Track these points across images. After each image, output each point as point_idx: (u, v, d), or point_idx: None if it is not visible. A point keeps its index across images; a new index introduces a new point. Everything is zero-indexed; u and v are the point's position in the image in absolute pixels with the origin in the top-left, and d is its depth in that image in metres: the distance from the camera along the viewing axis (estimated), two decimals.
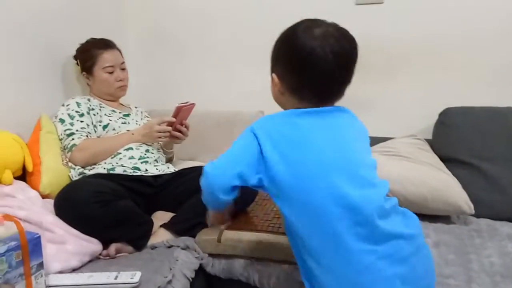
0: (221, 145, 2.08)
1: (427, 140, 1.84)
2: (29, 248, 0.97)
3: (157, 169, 1.61)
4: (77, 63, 1.80)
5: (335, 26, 0.96)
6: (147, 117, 1.92)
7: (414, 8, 1.91)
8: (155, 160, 1.66)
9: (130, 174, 1.53)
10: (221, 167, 0.94)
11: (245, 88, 2.20)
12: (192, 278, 1.28)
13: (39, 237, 1.01)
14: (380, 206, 0.90)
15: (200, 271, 1.35)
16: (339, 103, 1.02)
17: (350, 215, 0.86)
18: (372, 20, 1.96)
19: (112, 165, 1.55)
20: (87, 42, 1.79)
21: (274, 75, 1.00)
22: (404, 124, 1.96)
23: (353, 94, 1.69)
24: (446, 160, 1.71)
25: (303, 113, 0.94)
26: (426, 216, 1.52)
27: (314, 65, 0.91)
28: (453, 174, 1.61)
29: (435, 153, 1.76)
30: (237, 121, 2.13)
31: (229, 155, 0.94)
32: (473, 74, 1.85)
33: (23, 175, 1.45)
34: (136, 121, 1.81)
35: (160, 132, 1.60)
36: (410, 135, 1.86)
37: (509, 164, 1.60)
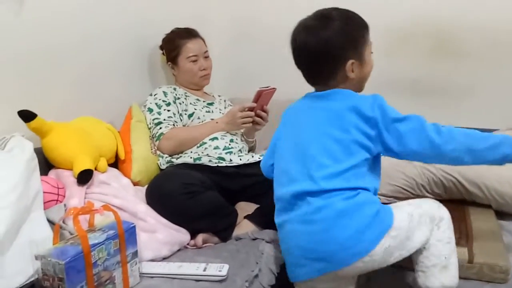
0: None
1: None
2: (125, 237, 0.99)
3: (240, 159, 1.59)
4: (163, 53, 1.83)
5: (315, 16, 1.05)
6: (230, 105, 1.91)
7: None
8: (239, 150, 1.64)
9: (215, 165, 1.53)
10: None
11: None
12: (278, 273, 1.25)
13: (134, 226, 1.03)
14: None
15: (285, 266, 1.32)
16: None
17: None
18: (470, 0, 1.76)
19: (198, 155, 1.56)
20: (172, 32, 1.81)
21: None
22: (509, 114, 1.74)
23: (452, 81, 1.54)
24: None
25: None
26: None
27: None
28: None
29: None
30: None
31: None
32: None
33: (115, 163, 1.51)
34: (220, 109, 1.81)
35: (243, 118, 1.58)
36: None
37: None
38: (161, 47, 1.84)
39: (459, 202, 1.41)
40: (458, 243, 1.16)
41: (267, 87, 1.59)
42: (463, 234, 1.20)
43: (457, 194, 1.41)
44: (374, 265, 0.97)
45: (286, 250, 1.08)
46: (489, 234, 1.21)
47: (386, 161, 1.57)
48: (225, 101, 1.91)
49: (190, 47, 1.74)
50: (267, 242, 1.32)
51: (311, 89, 2.26)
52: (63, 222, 1.07)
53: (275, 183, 1.12)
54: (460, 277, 1.10)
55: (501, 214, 1.38)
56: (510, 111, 1.76)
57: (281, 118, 1.18)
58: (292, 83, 2.15)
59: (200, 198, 1.28)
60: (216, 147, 1.59)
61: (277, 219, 1.09)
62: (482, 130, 1.65)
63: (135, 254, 1.04)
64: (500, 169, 1.36)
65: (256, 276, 1.16)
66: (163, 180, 1.33)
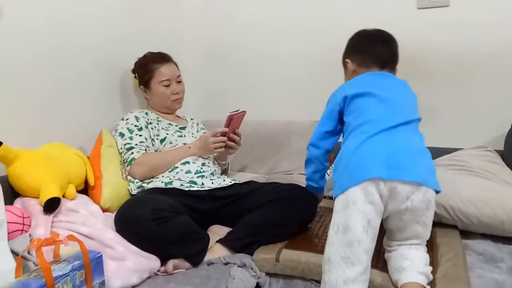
0: (275, 156, 2.07)
1: (498, 152, 1.69)
2: (92, 267, 0.98)
3: (212, 182, 1.60)
4: (135, 77, 1.84)
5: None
6: (203, 128, 1.93)
7: (482, 10, 1.77)
8: (211, 174, 1.65)
9: (187, 189, 1.53)
10: None
11: (301, 98, 2.15)
12: None
13: (101, 256, 1.02)
14: None
15: None
16: None
17: None
18: (437, 25, 1.84)
19: (170, 179, 1.56)
20: (145, 56, 1.82)
21: (348, 60, 1.43)
22: (472, 134, 1.82)
23: (419, 102, 1.60)
24: None
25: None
26: (499, 238, 1.39)
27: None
28: None
29: (508, 166, 1.61)
30: (292, 132, 2.09)
31: None
32: None
33: (85, 189, 1.49)
34: (192, 133, 1.82)
35: (215, 143, 1.60)
36: (480, 146, 1.72)
37: None
38: (133, 71, 1.84)
39: None
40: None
41: (237, 110, 1.62)
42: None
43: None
44: None
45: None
46: (452, 259, 1.23)
47: None
48: (197, 124, 1.92)
49: (163, 71, 1.76)
50: (239, 266, 1.31)
51: (282, 108, 2.30)
52: (29, 253, 1.05)
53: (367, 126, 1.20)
54: None
55: (466, 233, 1.41)
56: (473, 131, 1.83)
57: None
58: (263, 103, 2.21)
59: (170, 224, 1.27)
60: (188, 171, 1.59)
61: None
62: (448, 150, 1.75)
63: (102, 283, 1.02)
64: (463, 190, 1.42)
65: None
66: (132, 206, 1.32)
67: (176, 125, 1.79)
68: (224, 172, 1.84)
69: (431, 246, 1.31)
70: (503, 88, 1.78)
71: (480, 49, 1.79)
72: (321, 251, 1.31)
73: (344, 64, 1.46)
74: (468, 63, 1.69)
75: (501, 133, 1.75)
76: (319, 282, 1.26)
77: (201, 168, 1.63)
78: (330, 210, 1.62)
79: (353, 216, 1.08)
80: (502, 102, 1.78)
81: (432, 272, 1.15)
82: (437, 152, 1.72)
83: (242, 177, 1.84)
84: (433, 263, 1.21)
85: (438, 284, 1.13)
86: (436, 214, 1.41)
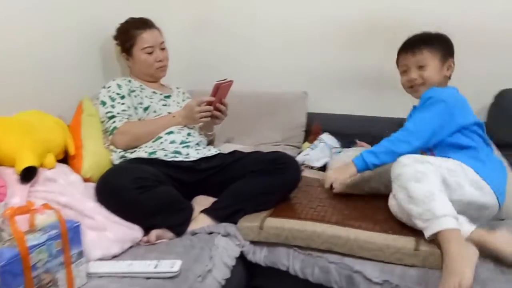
0: (262, 127, 2.05)
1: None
2: (69, 236, 0.96)
3: (198, 152, 1.57)
4: (117, 44, 1.77)
5: None
6: (189, 98, 1.88)
7: None
8: (197, 144, 1.62)
9: (171, 159, 1.50)
10: None
11: (288, 69, 2.10)
12: (233, 266, 1.25)
13: (79, 225, 0.99)
14: None
15: (241, 259, 1.32)
16: None
17: None
18: None
19: (153, 149, 1.53)
20: (126, 22, 1.75)
21: (452, 62, 1.45)
22: None
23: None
24: (503, 145, 1.58)
25: None
26: None
27: None
28: (509, 160, 1.49)
29: (490, 137, 1.59)
30: (279, 103, 2.06)
31: None
32: None
33: (65, 158, 1.45)
34: (177, 102, 1.77)
35: (201, 112, 1.56)
36: None
37: None
38: (115, 37, 1.77)
39: None
40: (407, 233, 1.20)
41: (224, 80, 1.57)
42: (411, 227, 1.23)
43: None
44: None
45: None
46: None
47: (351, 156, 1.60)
48: (183, 93, 1.88)
49: (146, 37, 1.69)
50: (223, 235, 1.31)
51: (271, 80, 2.26)
52: (4, 223, 1.02)
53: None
54: (406, 265, 1.15)
55: None
56: None
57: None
58: (253, 74, 2.16)
59: (153, 193, 1.25)
60: (173, 141, 1.56)
61: None
62: None
63: (81, 254, 1.00)
64: None
65: (210, 270, 1.15)
66: (113, 175, 1.29)
67: (160, 94, 1.74)
68: (211, 143, 1.81)
69: None
70: (487, 59, 1.75)
71: (463, 21, 1.75)
72: (305, 218, 1.32)
73: (448, 64, 1.44)
74: (452, 35, 1.65)
75: (484, 105, 1.73)
76: (302, 248, 1.27)
77: (187, 138, 1.59)
78: (315, 181, 1.62)
79: None
80: (485, 74, 1.75)
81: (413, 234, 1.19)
82: None
83: (228, 148, 1.81)
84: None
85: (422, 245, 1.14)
86: None
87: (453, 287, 1.00)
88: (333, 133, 1.89)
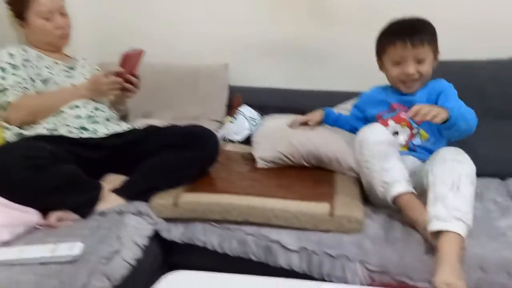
0: (182, 101, 1.95)
1: None
2: None
3: (107, 128, 1.44)
4: (9, 8, 1.56)
5: None
6: (97, 70, 1.72)
7: None
8: (106, 119, 1.49)
9: (77, 136, 1.36)
10: None
11: (209, 41, 2.01)
12: (145, 246, 1.17)
13: None
14: None
15: (156, 237, 1.24)
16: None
17: None
18: None
19: (55, 125, 1.38)
20: None
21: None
22: (376, 76, 1.82)
23: (323, 44, 1.54)
24: None
25: None
26: None
27: None
28: None
29: None
30: (199, 75, 1.97)
31: None
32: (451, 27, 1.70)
33: None
34: (83, 74, 1.61)
35: (109, 84, 1.43)
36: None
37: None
38: (6, 1, 1.56)
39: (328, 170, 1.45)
40: (322, 199, 1.20)
41: (134, 49, 1.45)
42: (327, 193, 1.24)
43: (330, 167, 1.44)
44: None
45: None
46: (350, 194, 1.26)
47: (275, 127, 1.56)
48: (90, 65, 1.71)
49: (42, 1, 1.51)
50: (134, 214, 1.22)
51: (191, 52, 2.14)
52: None
53: None
54: (321, 230, 1.15)
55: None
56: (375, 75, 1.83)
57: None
58: (169, 46, 2.04)
59: (48, 172, 1.12)
60: (78, 116, 1.41)
61: None
62: (349, 93, 1.75)
63: None
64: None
65: (117, 251, 1.06)
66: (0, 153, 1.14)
67: (63, 64, 1.57)
68: (123, 118, 1.68)
69: (330, 183, 1.32)
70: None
71: None
72: (223, 191, 1.27)
73: (437, 56, 1.35)
74: (373, 5, 1.68)
75: None
76: (219, 222, 1.22)
77: (94, 112, 1.46)
78: (236, 154, 1.58)
79: None
80: None
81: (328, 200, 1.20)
82: (343, 96, 1.73)
83: (144, 124, 1.69)
84: (331, 194, 1.23)
85: (337, 210, 1.15)
86: (342, 167, 1.43)
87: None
88: (256, 106, 1.84)
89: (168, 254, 1.31)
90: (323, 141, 1.43)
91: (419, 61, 1.29)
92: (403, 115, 1.35)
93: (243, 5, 1.93)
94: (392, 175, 1.16)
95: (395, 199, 1.15)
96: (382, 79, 1.78)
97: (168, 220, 1.26)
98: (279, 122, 1.56)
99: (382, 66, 1.40)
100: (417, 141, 1.34)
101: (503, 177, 1.48)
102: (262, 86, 1.94)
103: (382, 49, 1.36)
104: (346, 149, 1.41)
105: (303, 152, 1.41)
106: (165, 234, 1.26)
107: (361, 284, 1.08)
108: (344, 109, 1.65)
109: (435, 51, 1.33)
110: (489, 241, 1.09)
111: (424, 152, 1.32)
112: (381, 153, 1.19)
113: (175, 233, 1.26)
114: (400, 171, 1.17)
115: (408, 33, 1.28)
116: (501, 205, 1.27)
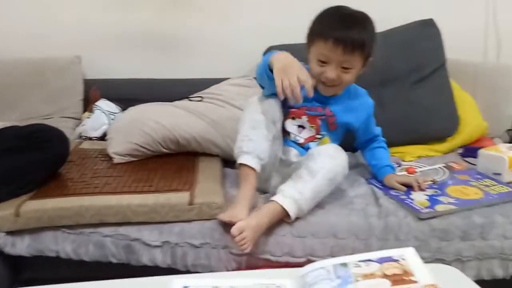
0: (29, 98, 1.73)
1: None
2: None
3: None
4: None
5: None
6: None
7: None
8: None
9: None
10: None
11: (57, 32, 1.82)
12: None
13: None
14: None
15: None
16: None
17: None
18: None
19: None
20: None
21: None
22: (236, 63, 1.83)
23: (182, 33, 1.49)
24: None
25: None
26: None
27: None
28: None
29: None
30: (48, 70, 1.77)
31: None
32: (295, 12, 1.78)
33: None
34: None
35: None
36: (243, 75, 1.76)
37: None
38: None
39: (191, 154, 1.43)
40: (182, 189, 1.17)
41: None
42: (188, 181, 1.21)
43: (190, 148, 1.43)
44: None
45: None
46: (211, 178, 1.25)
47: (126, 119, 1.47)
48: None
49: None
50: None
51: (37, 45, 1.91)
52: None
53: None
54: (183, 220, 1.12)
55: (226, 162, 1.43)
56: (239, 60, 1.86)
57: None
58: (8, 38, 1.80)
59: None
60: None
61: None
62: (212, 80, 1.74)
63: None
64: (221, 127, 1.43)
65: None
66: None
67: None
68: None
69: (192, 171, 1.30)
70: (259, 18, 1.83)
71: None
72: (73, 194, 1.16)
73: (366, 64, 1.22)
74: None
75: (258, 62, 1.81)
76: (71, 227, 1.12)
77: None
78: (93, 151, 1.46)
79: None
80: (255, 34, 1.80)
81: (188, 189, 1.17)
82: (206, 83, 1.71)
83: None
84: (192, 183, 1.21)
85: (196, 198, 1.13)
86: (202, 147, 1.44)
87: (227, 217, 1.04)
88: (117, 99, 1.73)
89: (16, 271, 1.16)
90: (175, 122, 1.39)
91: (345, 68, 1.16)
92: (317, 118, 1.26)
93: None
94: (248, 146, 1.12)
95: (240, 166, 1.13)
96: (242, 67, 1.83)
97: (11, 233, 1.11)
98: (131, 112, 1.49)
99: (308, 52, 1.22)
100: (314, 145, 1.26)
101: (354, 150, 1.60)
102: (121, 78, 1.83)
103: (312, 38, 1.19)
104: (201, 125, 1.41)
105: (158, 139, 1.36)
106: (9, 249, 1.11)
107: (227, 269, 1.09)
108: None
109: (367, 58, 1.19)
110: (340, 209, 1.18)
111: None
112: (254, 122, 1.15)
113: (20, 246, 1.11)
114: (259, 145, 1.13)
115: (344, 36, 1.12)
116: (350, 177, 1.36)
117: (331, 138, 1.27)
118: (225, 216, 1.06)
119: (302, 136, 1.26)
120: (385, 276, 0.71)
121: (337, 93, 1.24)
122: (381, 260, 0.75)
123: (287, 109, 1.24)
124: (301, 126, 1.26)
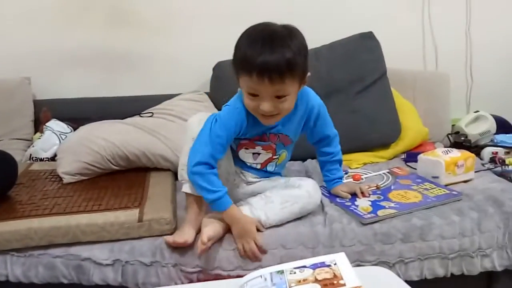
0: None
1: (208, 94, 1.81)
2: None
3: None
4: None
5: None
6: None
7: None
8: None
9: None
10: None
11: (4, 51, 1.80)
12: None
13: None
14: None
15: None
16: None
17: None
18: None
19: None
20: None
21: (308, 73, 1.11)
22: (187, 79, 1.87)
23: (132, 51, 1.50)
24: None
25: None
26: None
27: None
28: None
29: (215, 106, 1.73)
30: None
31: None
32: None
33: None
34: None
35: None
36: (194, 90, 1.80)
37: None
38: None
39: (142, 170, 1.45)
40: (131, 206, 1.18)
41: None
42: (138, 198, 1.23)
43: (140, 164, 1.44)
44: None
45: None
46: (161, 194, 1.28)
47: (74, 138, 1.47)
48: None
49: None
50: None
51: None
52: None
53: None
54: (134, 238, 1.13)
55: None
56: (189, 76, 1.89)
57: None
58: None
59: None
60: None
61: None
62: (164, 96, 1.75)
63: None
64: (171, 142, 1.46)
65: None
66: None
67: None
68: None
69: (142, 187, 1.32)
70: (207, 35, 1.87)
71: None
72: (21, 216, 1.15)
73: (305, 80, 1.10)
74: (173, 11, 1.69)
75: (208, 77, 1.84)
76: (20, 250, 1.11)
77: None
78: (43, 172, 1.45)
79: None
80: (203, 50, 1.85)
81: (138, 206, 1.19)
82: (154, 100, 1.73)
83: None
84: (141, 199, 1.23)
85: (146, 215, 1.14)
86: (152, 162, 1.46)
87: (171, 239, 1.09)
88: (68, 119, 1.72)
89: None
90: (123, 139, 1.41)
91: (279, 97, 1.04)
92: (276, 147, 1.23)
93: (36, 15, 1.79)
94: None
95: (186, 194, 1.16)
96: (193, 82, 1.86)
97: None
98: (80, 131, 1.49)
99: (237, 82, 1.11)
100: (271, 166, 1.25)
101: (304, 159, 1.66)
102: (73, 97, 1.83)
103: (236, 71, 1.07)
104: (151, 140, 1.43)
105: (107, 156, 1.38)
106: None
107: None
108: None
109: (303, 76, 1.08)
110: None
111: (274, 175, 1.29)
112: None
113: None
114: None
115: (267, 64, 0.99)
116: None
117: (288, 150, 1.27)
118: (169, 238, 1.09)
119: (258, 162, 1.23)
120: (317, 280, 0.75)
121: (279, 120, 1.14)
122: (314, 266, 0.80)
123: (237, 141, 1.20)
124: (256, 153, 1.22)
